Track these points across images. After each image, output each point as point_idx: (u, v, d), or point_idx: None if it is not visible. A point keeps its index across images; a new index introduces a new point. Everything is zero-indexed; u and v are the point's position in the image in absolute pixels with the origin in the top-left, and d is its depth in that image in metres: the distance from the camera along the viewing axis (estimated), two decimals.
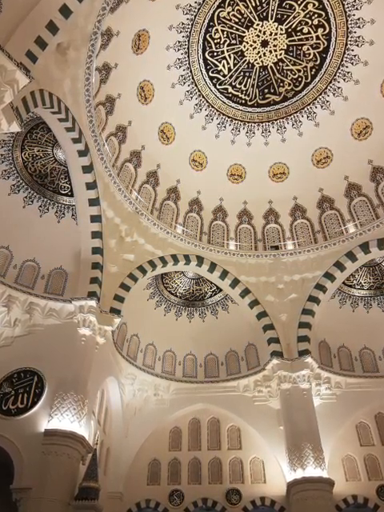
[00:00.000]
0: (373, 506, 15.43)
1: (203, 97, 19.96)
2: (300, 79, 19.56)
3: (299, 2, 17.68)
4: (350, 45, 18.06)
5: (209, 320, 20.15)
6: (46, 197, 16.55)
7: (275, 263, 19.38)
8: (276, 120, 20.50)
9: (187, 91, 19.63)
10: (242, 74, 19.70)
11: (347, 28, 17.73)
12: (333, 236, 19.36)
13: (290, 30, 18.44)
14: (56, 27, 11.19)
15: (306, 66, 19.20)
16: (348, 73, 18.67)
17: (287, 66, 19.35)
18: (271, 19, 18.26)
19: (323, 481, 14.45)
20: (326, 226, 19.87)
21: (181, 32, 18.05)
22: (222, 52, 19.08)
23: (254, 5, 17.92)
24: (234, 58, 19.29)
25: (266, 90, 20.11)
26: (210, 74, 19.55)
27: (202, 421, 18.09)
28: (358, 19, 17.43)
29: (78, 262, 15.90)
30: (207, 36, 18.50)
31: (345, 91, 19.05)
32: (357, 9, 17.24)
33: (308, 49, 18.74)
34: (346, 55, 18.34)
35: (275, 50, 19.05)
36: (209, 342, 19.77)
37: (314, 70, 19.14)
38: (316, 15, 17.85)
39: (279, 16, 18.12)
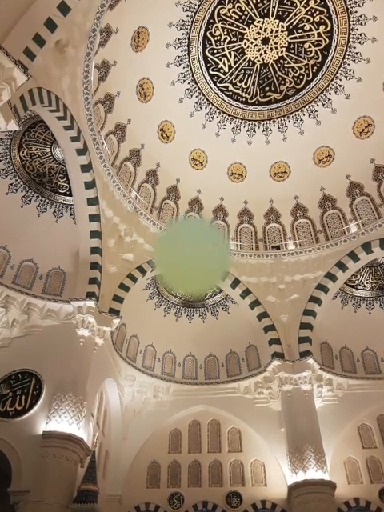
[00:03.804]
0: (375, 509, 15.26)
1: (203, 95, 19.77)
2: (301, 77, 19.36)
3: None
4: (352, 42, 17.88)
5: (209, 321, 19.97)
6: (44, 196, 16.38)
7: (276, 263, 19.20)
8: (277, 118, 20.32)
9: (187, 89, 19.45)
10: (242, 71, 19.51)
11: (349, 25, 17.54)
12: (334, 236, 19.18)
13: (291, 27, 18.25)
14: (54, 24, 11.03)
15: (307, 64, 19.00)
16: (350, 70, 18.48)
17: (288, 63, 19.16)
18: (272, 16, 18.06)
19: (325, 483, 14.30)
20: (327, 225, 19.69)
21: (181, 29, 17.87)
22: (223, 49, 18.89)
23: (254, 1, 17.73)
24: (235, 56, 19.10)
25: (267, 88, 19.91)
26: (211, 71, 19.36)
27: (202, 423, 17.92)
28: (360, 16, 17.25)
29: (77, 262, 15.75)
30: (207, 33, 18.32)
31: (347, 89, 18.87)
32: (359, 6, 17.08)
33: (309, 46, 18.54)
34: (347, 53, 18.15)
35: (276, 48, 18.85)
36: (209, 343, 19.60)
37: (315, 67, 18.95)
38: (317, 12, 17.66)
39: (280, 13, 17.93)
